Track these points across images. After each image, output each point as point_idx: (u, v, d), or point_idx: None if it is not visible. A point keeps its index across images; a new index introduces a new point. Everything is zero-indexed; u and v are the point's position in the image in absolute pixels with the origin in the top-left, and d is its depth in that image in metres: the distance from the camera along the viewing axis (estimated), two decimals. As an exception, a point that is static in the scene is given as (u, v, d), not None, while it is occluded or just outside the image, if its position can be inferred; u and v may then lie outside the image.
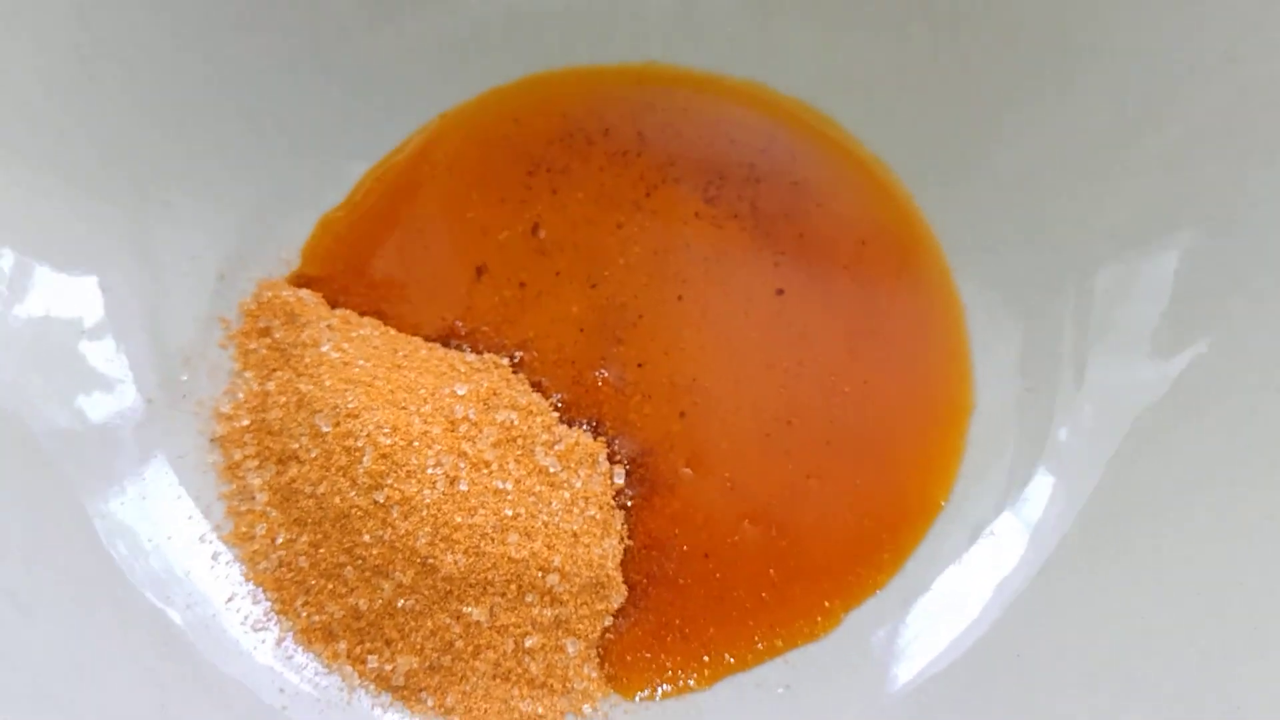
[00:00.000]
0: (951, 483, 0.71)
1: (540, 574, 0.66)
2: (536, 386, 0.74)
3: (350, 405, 0.67)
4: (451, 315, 0.76)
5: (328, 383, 0.69)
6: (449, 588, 0.65)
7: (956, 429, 0.73)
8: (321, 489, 0.66)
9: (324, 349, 0.72)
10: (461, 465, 0.66)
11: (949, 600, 0.68)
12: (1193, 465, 0.63)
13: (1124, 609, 0.61)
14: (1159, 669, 0.58)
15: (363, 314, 0.76)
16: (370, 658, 0.66)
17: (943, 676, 0.65)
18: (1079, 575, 0.64)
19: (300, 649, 0.66)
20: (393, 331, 0.75)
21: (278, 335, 0.74)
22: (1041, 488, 0.70)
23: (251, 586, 0.68)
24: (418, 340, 0.75)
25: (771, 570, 0.70)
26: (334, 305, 0.77)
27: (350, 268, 0.78)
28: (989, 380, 0.74)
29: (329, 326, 0.74)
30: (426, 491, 0.64)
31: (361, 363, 0.70)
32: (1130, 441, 0.67)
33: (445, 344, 0.75)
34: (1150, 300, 0.69)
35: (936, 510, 0.71)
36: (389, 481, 0.64)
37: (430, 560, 0.64)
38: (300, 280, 0.78)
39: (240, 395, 0.72)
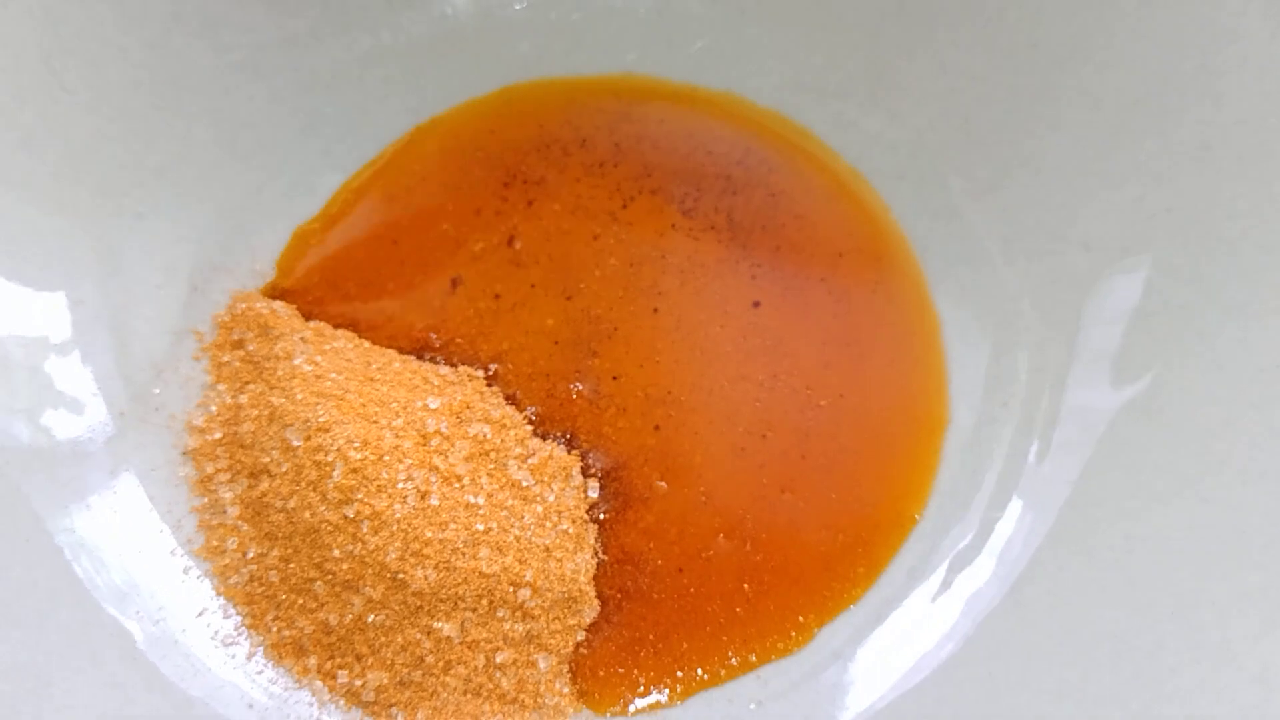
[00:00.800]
0: (926, 497, 0.71)
1: (512, 589, 0.65)
2: (510, 399, 0.73)
3: (321, 419, 0.66)
4: (426, 327, 0.76)
5: (299, 396, 0.68)
6: (420, 603, 0.64)
7: (931, 443, 0.73)
8: (292, 503, 0.66)
9: (297, 362, 0.71)
10: (433, 479, 0.66)
11: (922, 615, 0.68)
12: (1162, 480, 0.63)
13: (1095, 623, 0.60)
14: (1130, 682, 0.58)
15: (337, 326, 0.76)
16: (340, 673, 0.66)
17: (914, 693, 0.65)
18: (1050, 590, 0.64)
19: (270, 664, 0.66)
20: (367, 344, 0.75)
21: (251, 348, 0.73)
22: (1014, 503, 0.69)
23: (222, 601, 0.67)
24: (391, 353, 0.75)
25: (745, 584, 0.69)
26: (308, 317, 0.77)
27: (325, 279, 0.78)
28: (964, 394, 0.74)
29: (302, 339, 0.74)
30: (397, 506, 0.64)
31: (334, 376, 0.70)
32: (1100, 456, 0.67)
33: (420, 356, 0.75)
34: (1124, 315, 0.69)
35: (910, 525, 0.71)
36: (359, 496, 0.64)
37: (400, 575, 0.64)
38: (274, 292, 0.77)
39: (213, 408, 0.72)
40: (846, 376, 0.74)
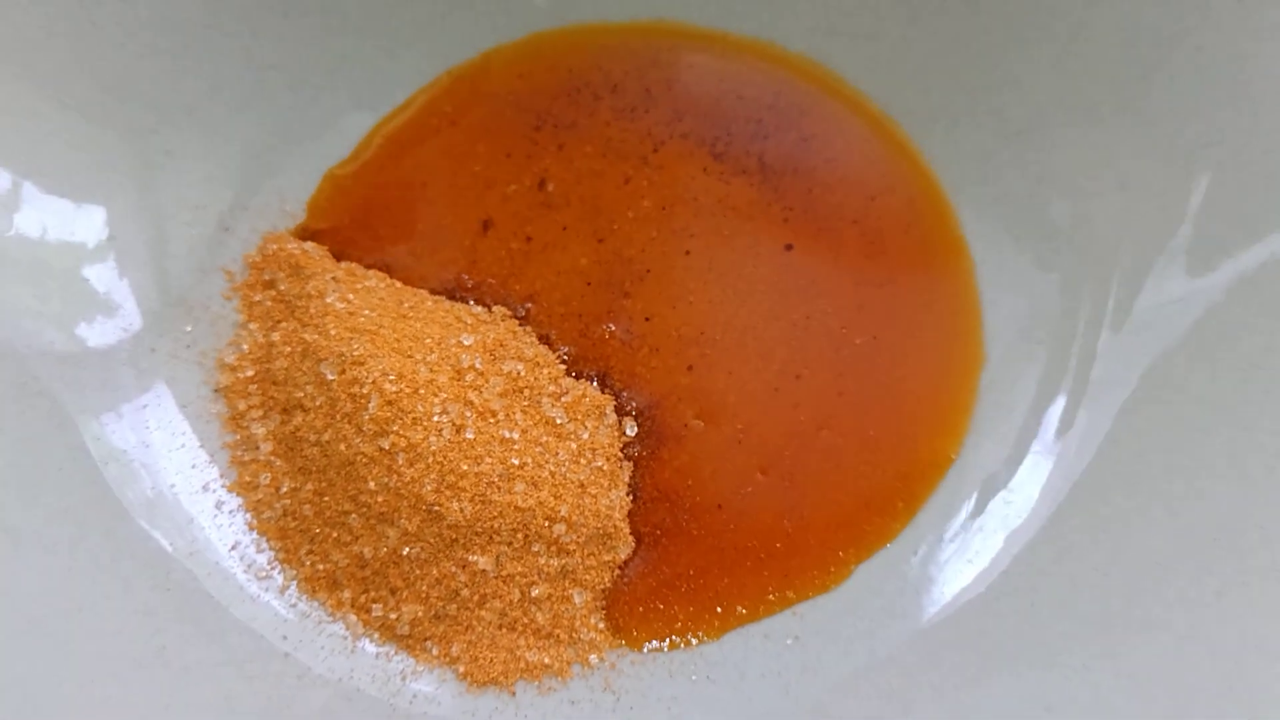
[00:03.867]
0: (962, 436, 0.71)
1: (547, 523, 0.65)
2: (543, 339, 0.73)
3: (356, 353, 0.66)
4: (457, 269, 0.75)
5: (333, 332, 0.68)
6: (455, 536, 0.64)
7: (967, 383, 0.72)
8: (326, 436, 0.65)
9: (329, 300, 0.71)
10: (468, 414, 0.65)
11: (959, 551, 0.67)
12: (1206, 411, 0.62)
13: (1136, 551, 0.60)
14: (1174, 606, 0.58)
15: (368, 267, 0.75)
16: (375, 606, 0.65)
17: (951, 624, 0.64)
18: (1090, 523, 0.64)
19: (304, 597, 0.66)
20: (398, 284, 0.74)
21: (282, 287, 0.73)
22: (1052, 440, 0.69)
23: (255, 535, 0.67)
24: (423, 293, 0.74)
25: (785, 521, 0.69)
26: (339, 259, 0.76)
27: (355, 221, 0.78)
28: (999, 334, 0.73)
29: (334, 279, 0.73)
30: (433, 438, 0.63)
31: (367, 313, 0.69)
32: (1142, 390, 0.66)
33: (452, 297, 0.74)
34: (1163, 247, 0.68)
35: (947, 463, 0.70)
36: (394, 428, 0.63)
37: (436, 507, 0.63)
38: (305, 234, 0.77)
39: (245, 346, 0.72)
40: (881, 316, 0.74)
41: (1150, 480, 0.63)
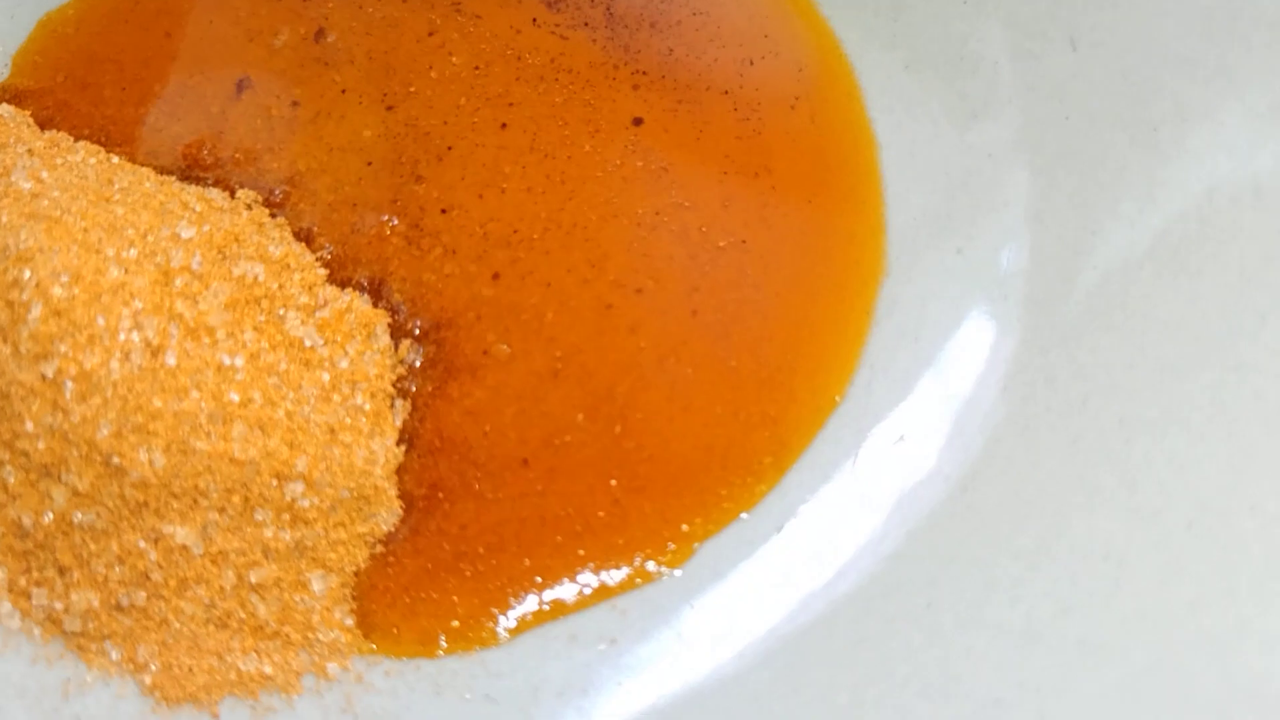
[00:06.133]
0: (851, 371, 0.55)
1: (276, 482, 0.48)
2: (301, 235, 0.56)
3: (25, 245, 0.48)
4: (197, 141, 0.59)
5: (4, 219, 0.50)
6: (143, 498, 0.48)
7: (861, 302, 0.56)
8: (-30, 359, 0.47)
9: (14, 178, 0.55)
10: (172, 330, 0.49)
11: (840, 524, 0.51)
12: (1161, 343, 0.47)
13: (1060, 509, 0.46)
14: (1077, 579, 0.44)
15: (80, 138, 0.59)
16: (37, 591, 0.49)
17: (824, 626, 0.48)
18: (1010, 489, 0.46)
19: (-63, 580, 0.48)
20: (116, 160, 0.58)
21: (-41, 159, 0.54)
22: (965, 381, 0.52)
23: None
24: (147, 171, 0.58)
25: (612, 481, 0.52)
26: (44, 126, 0.61)
27: (73, 80, 0.61)
28: (905, 239, 0.57)
29: (29, 151, 0.57)
30: (115, 364, 0.47)
31: (56, 194, 0.53)
32: (1083, 315, 0.49)
33: (185, 177, 0.58)
34: (1122, 130, 0.51)
35: (830, 406, 0.54)
36: (62, 348, 0.47)
37: (116, 458, 0.47)
38: (7, 93, 0.62)
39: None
40: (752, 215, 0.57)
41: (1078, 425, 0.47)
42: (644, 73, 0.60)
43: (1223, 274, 0.48)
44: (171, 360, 0.49)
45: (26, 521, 0.49)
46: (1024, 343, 0.52)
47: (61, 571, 0.49)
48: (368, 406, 0.52)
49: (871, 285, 0.56)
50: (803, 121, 0.60)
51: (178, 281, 0.51)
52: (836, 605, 0.50)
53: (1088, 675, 0.43)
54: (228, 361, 0.50)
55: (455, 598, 0.51)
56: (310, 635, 0.49)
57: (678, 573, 0.51)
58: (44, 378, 0.47)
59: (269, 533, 0.49)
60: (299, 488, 0.49)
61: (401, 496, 0.51)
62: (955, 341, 0.55)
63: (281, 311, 0.53)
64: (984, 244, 0.55)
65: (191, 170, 0.58)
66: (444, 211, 0.57)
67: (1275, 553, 0.42)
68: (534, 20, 0.61)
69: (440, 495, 0.52)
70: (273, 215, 0.57)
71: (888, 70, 0.60)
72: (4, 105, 0.60)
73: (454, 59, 0.60)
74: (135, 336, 0.48)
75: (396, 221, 0.56)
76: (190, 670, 0.49)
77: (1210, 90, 0.51)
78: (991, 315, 0.54)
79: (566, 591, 0.51)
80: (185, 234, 0.53)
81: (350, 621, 0.50)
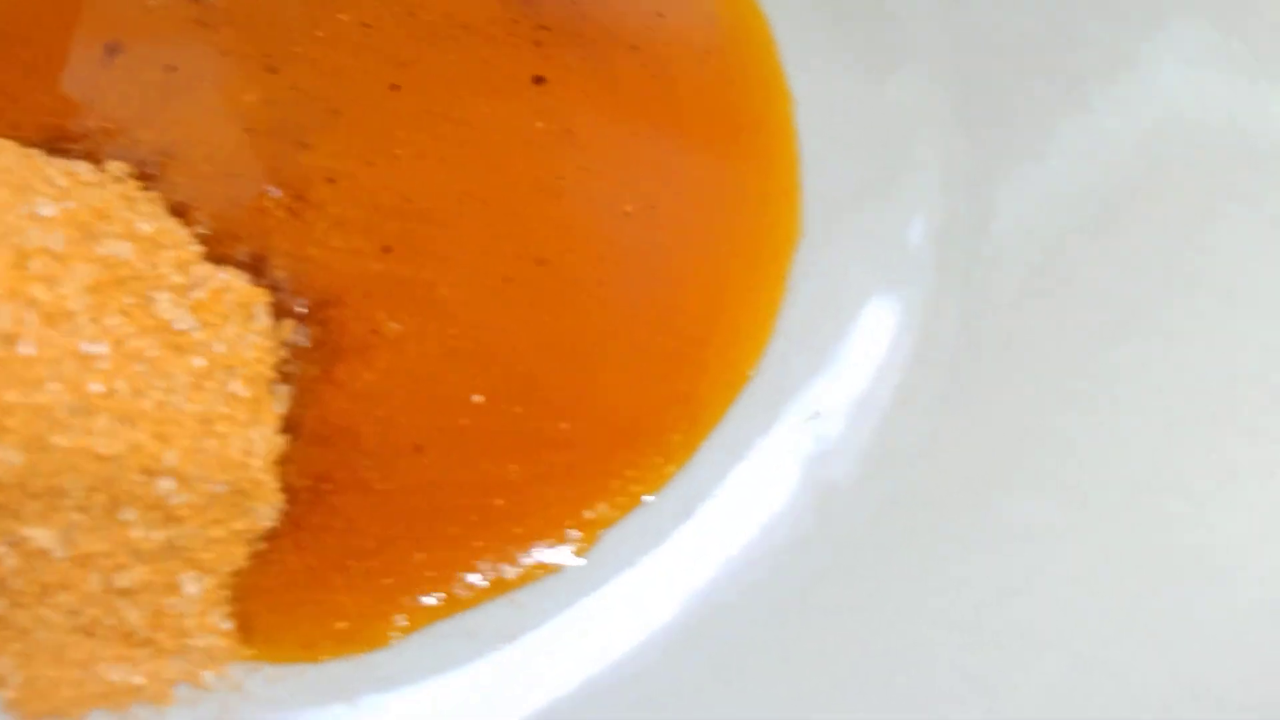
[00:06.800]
0: (764, 343, 0.53)
1: (144, 478, 0.46)
2: (176, 210, 0.53)
3: None
4: (63, 111, 0.55)
5: None
6: (1, 499, 0.43)
7: (775, 269, 0.54)
8: None
9: None
10: (28, 317, 0.46)
11: (750, 508, 0.49)
12: (1083, 308, 0.45)
13: (986, 488, 0.45)
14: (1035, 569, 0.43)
15: None
16: (-113, 603, 0.45)
17: (730, 614, 0.46)
18: (928, 461, 0.44)
19: None
20: None
21: None
22: (883, 352, 0.49)
23: None
24: (7, 144, 0.53)
25: (511, 467, 0.49)
26: None
27: None
28: (822, 201, 0.54)
29: None
30: (-38, 356, 0.42)
31: (-101, 172, 0.48)
32: (1008, 282, 0.47)
33: (50, 150, 0.54)
34: (1050, 80, 0.48)
35: (742, 381, 0.52)
36: None
37: None
38: None
39: None
40: (661, 177, 0.55)
41: (1009, 400, 0.45)
42: (546, 28, 0.57)
43: (1153, 235, 0.46)
44: (27, 350, 0.46)
45: (-127, 527, 0.45)
46: (945, 311, 0.49)
47: (-88, 580, 0.46)
48: (246, 393, 0.49)
49: (786, 250, 0.54)
50: (714, 76, 0.57)
51: (34, 264, 0.48)
52: (747, 593, 0.47)
53: (1026, 663, 0.41)
54: (90, 349, 0.47)
55: (342, 597, 0.48)
56: (184, 642, 0.47)
57: (582, 562, 0.48)
58: (-116, 372, 0.44)
59: (137, 533, 0.46)
60: (169, 483, 0.46)
61: (284, 490, 0.49)
62: (872, 310, 0.52)
63: (151, 293, 0.50)
64: (903, 205, 0.53)
65: (57, 142, 0.54)
66: (330, 181, 0.54)
67: (1208, 530, 0.39)
68: (427, -27, 0.57)
69: (326, 487, 0.50)
70: (145, 189, 0.53)
71: (805, 20, 0.57)
72: None
73: (341, 16, 0.57)
74: (-15, 326, 0.45)
75: (279, 193, 0.53)
76: (55, 683, 0.46)
77: (1140, 37, 0.48)
78: (911, 281, 0.51)
79: (462, 587, 0.48)
80: (44, 211, 0.49)
81: (228, 626, 0.48)
